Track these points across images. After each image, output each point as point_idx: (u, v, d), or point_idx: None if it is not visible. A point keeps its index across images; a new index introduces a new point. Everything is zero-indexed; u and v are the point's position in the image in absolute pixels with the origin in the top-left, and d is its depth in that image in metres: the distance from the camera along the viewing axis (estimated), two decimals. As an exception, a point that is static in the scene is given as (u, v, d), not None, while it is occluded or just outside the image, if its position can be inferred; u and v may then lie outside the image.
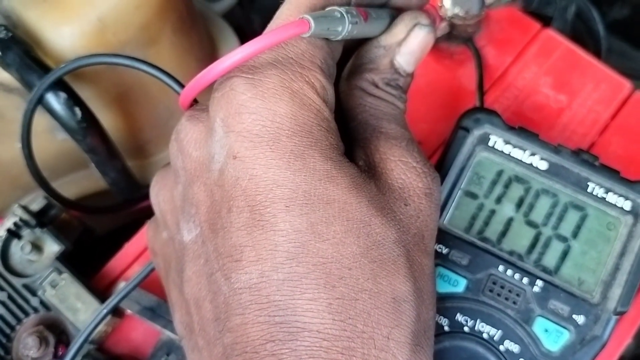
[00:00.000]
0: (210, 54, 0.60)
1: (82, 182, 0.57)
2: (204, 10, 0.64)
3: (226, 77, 0.32)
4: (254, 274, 0.29)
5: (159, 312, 0.44)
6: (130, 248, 0.48)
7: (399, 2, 0.38)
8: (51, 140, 0.52)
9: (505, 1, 0.54)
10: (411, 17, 0.37)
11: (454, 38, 0.53)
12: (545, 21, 0.56)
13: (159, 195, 0.36)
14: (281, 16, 0.33)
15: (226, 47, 0.63)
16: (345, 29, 0.32)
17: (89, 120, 0.46)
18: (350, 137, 0.35)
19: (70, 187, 0.57)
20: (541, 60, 0.53)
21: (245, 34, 0.69)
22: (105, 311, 0.41)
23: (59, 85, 0.44)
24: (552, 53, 0.54)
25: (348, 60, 0.38)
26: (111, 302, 0.41)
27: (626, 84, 0.53)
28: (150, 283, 0.46)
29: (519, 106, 0.52)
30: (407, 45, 0.37)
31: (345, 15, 0.32)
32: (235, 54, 0.30)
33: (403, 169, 0.33)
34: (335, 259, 0.29)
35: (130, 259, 0.48)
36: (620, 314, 0.40)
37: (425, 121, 0.52)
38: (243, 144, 0.30)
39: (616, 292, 0.40)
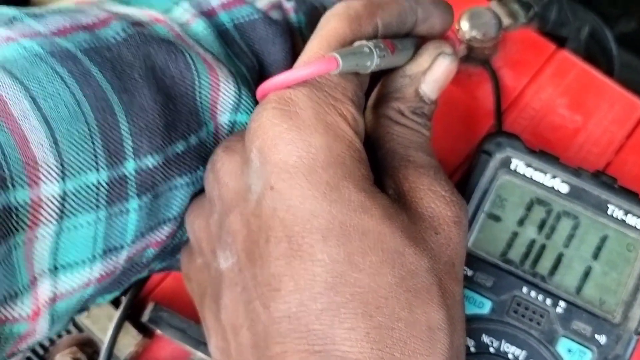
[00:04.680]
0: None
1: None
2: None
3: (262, 108, 0.33)
4: (292, 303, 0.31)
5: (189, 333, 0.45)
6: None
7: (423, 31, 0.39)
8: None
9: (521, 23, 0.55)
10: (435, 46, 0.38)
11: (472, 60, 0.54)
12: (560, 42, 0.57)
13: (195, 223, 0.37)
14: (311, 50, 0.34)
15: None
16: (374, 63, 0.33)
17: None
18: (378, 165, 0.36)
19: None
20: (557, 81, 0.55)
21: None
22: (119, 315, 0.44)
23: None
24: (567, 74, 0.55)
25: (374, 89, 0.39)
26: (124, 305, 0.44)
27: (640, 104, 0.54)
28: (181, 305, 0.48)
29: (535, 127, 0.53)
30: (432, 73, 0.38)
31: (373, 50, 0.33)
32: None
33: (432, 197, 0.34)
34: (372, 288, 0.30)
35: (159, 279, 0.49)
36: (642, 333, 0.41)
37: (444, 141, 0.53)
38: (280, 175, 0.31)
39: (637, 312, 0.41)
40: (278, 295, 0.31)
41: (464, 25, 0.52)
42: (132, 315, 0.46)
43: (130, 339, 0.45)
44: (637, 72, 0.82)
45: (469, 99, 0.54)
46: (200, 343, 0.44)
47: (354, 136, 0.33)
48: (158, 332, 0.46)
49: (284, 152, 0.31)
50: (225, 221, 0.34)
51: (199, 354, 0.44)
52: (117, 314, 0.44)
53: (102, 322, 0.45)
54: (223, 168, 0.35)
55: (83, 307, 0.37)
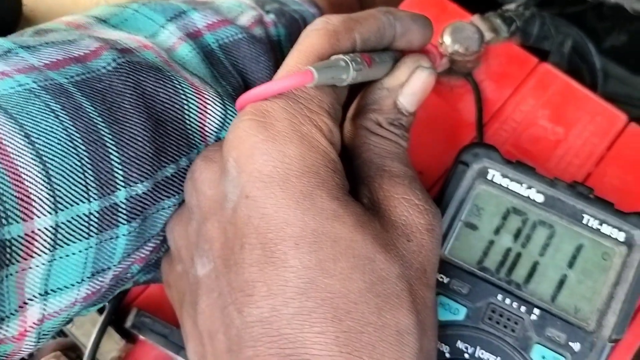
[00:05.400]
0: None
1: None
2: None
3: (239, 120, 0.34)
4: (265, 308, 0.31)
5: (171, 338, 0.45)
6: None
7: (402, 45, 0.40)
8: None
9: (503, 37, 0.56)
10: (413, 59, 0.39)
11: (454, 73, 0.55)
12: (543, 55, 0.58)
13: (174, 230, 0.38)
14: (289, 65, 0.35)
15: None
16: (350, 76, 0.34)
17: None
18: (355, 174, 0.37)
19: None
20: (538, 94, 0.56)
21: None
22: (102, 320, 0.45)
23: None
24: (549, 87, 0.56)
25: (353, 101, 0.40)
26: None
27: (621, 117, 0.55)
28: (163, 311, 0.48)
29: (517, 138, 0.54)
30: (410, 86, 0.39)
31: (349, 64, 0.34)
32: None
33: (406, 206, 0.35)
34: (342, 293, 0.31)
35: (141, 287, 0.50)
36: (615, 341, 0.41)
37: (426, 152, 0.53)
38: (255, 184, 0.32)
39: (611, 320, 0.41)
40: (251, 300, 0.32)
41: (447, 39, 0.53)
42: (115, 321, 0.47)
43: (113, 344, 0.46)
44: (627, 85, 0.84)
45: (451, 111, 0.55)
46: (182, 348, 0.45)
47: (328, 146, 0.34)
48: (141, 337, 0.46)
49: (260, 162, 0.32)
50: (202, 229, 0.35)
51: (180, 359, 0.44)
52: (100, 319, 0.45)
53: (85, 327, 0.46)
54: (201, 177, 0.35)
55: (68, 322, 0.38)
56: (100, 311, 0.46)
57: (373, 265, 0.32)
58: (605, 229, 0.43)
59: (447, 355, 0.42)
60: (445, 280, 0.42)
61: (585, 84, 0.57)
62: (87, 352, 0.44)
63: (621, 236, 0.43)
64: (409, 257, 0.34)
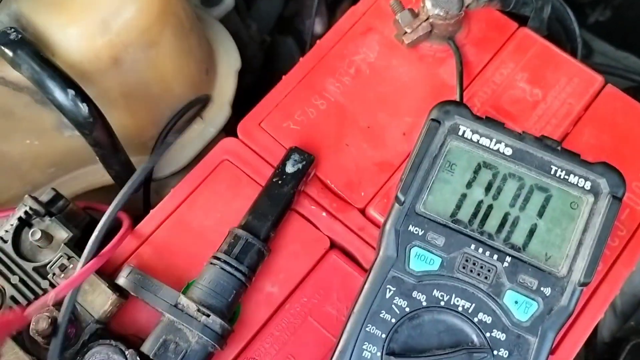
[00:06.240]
0: (208, 55, 0.64)
1: (88, 177, 0.61)
2: (202, 14, 0.68)
3: None
4: None
5: (160, 295, 0.47)
6: (134, 235, 0.52)
7: None
8: (58, 137, 0.56)
9: (483, 2, 0.57)
10: None
11: (436, 37, 0.57)
12: (523, 21, 0.59)
13: None
14: None
15: (223, 50, 0.66)
16: None
17: (95, 116, 0.49)
18: None
19: (77, 182, 0.61)
20: (518, 57, 0.57)
21: (241, 38, 0.73)
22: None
23: (67, 82, 0.48)
24: (528, 50, 0.57)
25: None
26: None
27: (598, 78, 0.56)
28: (154, 268, 0.50)
29: (497, 100, 0.55)
30: None
31: None
32: None
33: None
34: None
35: (134, 246, 0.51)
36: (585, 285, 0.43)
37: (409, 115, 0.55)
38: None
39: (580, 265, 0.43)
40: None
41: (428, 3, 0.55)
42: (108, 277, 0.49)
43: (104, 298, 0.47)
44: (610, 58, 0.85)
45: (433, 74, 0.56)
46: (171, 305, 0.46)
47: None
48: (132, 293, 0.48)
49: None
50: None
51: (168, 315, 0.46)
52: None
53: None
54: None
55: None
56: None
57: None
58: (573, 178, 0.44)
59: (424, 303, 0.43)
60: (421, 233, 0.44)
61: (567, 50, 0.58)
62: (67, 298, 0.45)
63: (588, 185, 0.44)
64: None
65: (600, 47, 0.85)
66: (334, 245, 0.52)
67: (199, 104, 0.62)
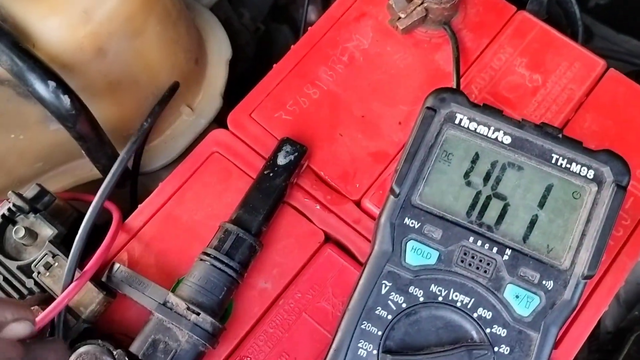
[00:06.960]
0: (198, 45, 0.62)
1: (76, 172, 0.59)
2: (191, 2, 0.66)
3: None
4: None
5: (148, 294, 0.45)
6: (122, 230, 0.50)
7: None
8: (44, 130, 0.54)
9: (480, -15, 0.56)
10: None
11: (431, 22, 0.55)
12: (521, 4, 0.58)
13: None
14: None
15: (213, 39, 0.65)
16: None
17: (78, 108, 0.47)
18: None
19: (65, 177, 0.59)
20: (516, 42, 0.55)
21: (233, 26, 0.71)
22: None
23: (48, 74, 0.46)
24: (527, 34, 0.55)
25: None
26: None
27: (600, 62, 0.54)
28: (143, 265, 0.49)
29: (495, 86, 0.53)
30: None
31: None
32: None
33: None
34: None
35: (122, 242, 0.50)
36: (589, 277, 0.41)
37: (405, 103, 0.53)
38: None
39: (584, 257, 0.41)
40: None
41: (422, -14, 0.53)
42: (94, 276, 0.47)
43: (91, 297, 0.46)
44: (611, 41, 0.83)
45: (429, 61, 0.55)
46: (160, 304, 0.45)
47: None
48: (119, 291, 0.46)
49: None
50: None
51: (157, 314, 0.45)
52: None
53: (63, 282, 0.46)
54: None
55: None
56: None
57: None
58: (575, 167, 0.43)
59: (421, 299, 0.42)
60: (417, 225, 0.42)
61: (567, 34, 0.56)
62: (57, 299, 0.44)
63: (590, 174, 0.42)
64: None
65: (601, 30, 0.83)
66: (328, 238, 0.50)
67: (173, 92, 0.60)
